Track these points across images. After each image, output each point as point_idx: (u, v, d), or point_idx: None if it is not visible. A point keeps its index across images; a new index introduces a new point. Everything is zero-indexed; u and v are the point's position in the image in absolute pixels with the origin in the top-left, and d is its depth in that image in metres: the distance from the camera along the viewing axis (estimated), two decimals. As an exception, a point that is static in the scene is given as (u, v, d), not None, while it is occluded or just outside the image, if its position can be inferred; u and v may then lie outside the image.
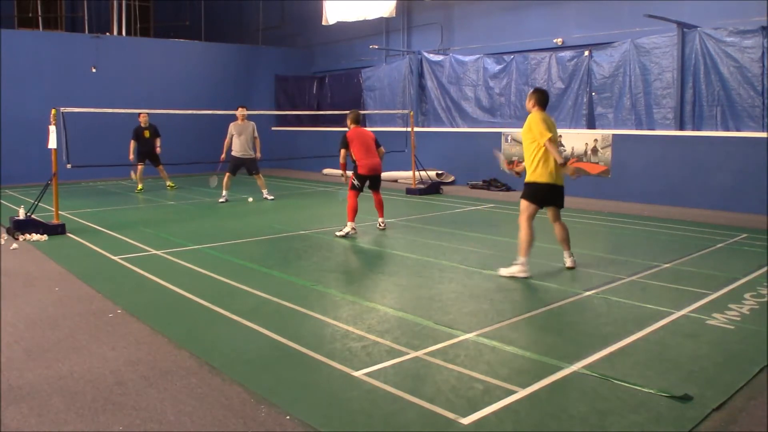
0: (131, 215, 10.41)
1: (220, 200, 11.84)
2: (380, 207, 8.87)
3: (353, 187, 8.50)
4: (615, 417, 3.24)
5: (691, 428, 3.13)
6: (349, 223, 8.34)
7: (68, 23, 22.03)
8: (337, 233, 8.31)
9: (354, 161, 8.53)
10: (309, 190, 14.18)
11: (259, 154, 12.15)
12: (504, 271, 6.21)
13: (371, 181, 8.60)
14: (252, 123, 12.10)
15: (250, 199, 10.71)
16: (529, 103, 6.39)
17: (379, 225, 8.86)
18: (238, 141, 11.86)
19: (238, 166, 11.98)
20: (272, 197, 12.17)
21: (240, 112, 11.97)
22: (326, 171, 17.78)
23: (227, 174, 11.95)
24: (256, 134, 12.07)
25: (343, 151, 8.54)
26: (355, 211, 8.36)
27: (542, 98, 6.35)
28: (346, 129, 8.77)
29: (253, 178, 12.26)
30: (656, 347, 4.24)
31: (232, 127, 11.92)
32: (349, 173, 8.68)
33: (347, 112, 9.18)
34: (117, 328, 4.65)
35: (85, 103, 13.85)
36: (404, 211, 10.69)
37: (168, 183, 13.99)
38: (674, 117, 11.60)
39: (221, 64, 19.26)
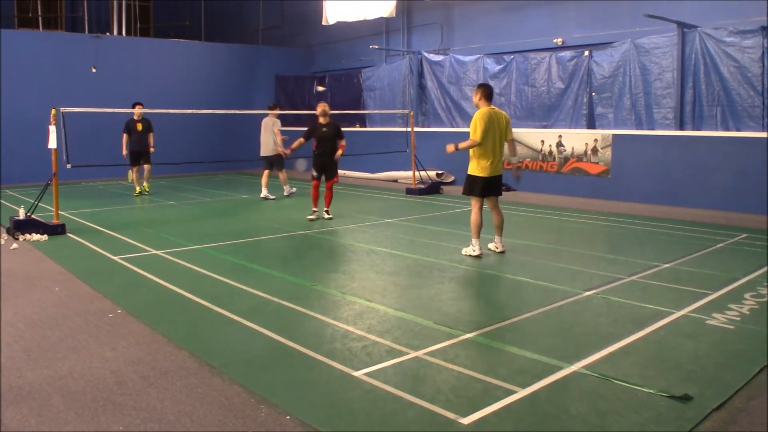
0: (131, 215, 10.41)
1: (271, 197, 12.36)
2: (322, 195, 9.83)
3: (314, 178, 9.70)
4: (615, 417, 3.24)
5: (691, 428, 3.13)
6: (315, 209, 9.72)
7: (68, 23, 22.03)
8: (326, 216, 9.63)
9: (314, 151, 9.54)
10: (309, 190, 14.15)
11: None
12: (463, 250, 7.10)
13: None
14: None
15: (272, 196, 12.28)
16: (476, 98, 6.98)
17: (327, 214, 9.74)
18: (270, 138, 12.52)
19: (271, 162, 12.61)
20: (294, 189, 13.03)
21: (274, 111, 12.79)
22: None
23: (267, 171, 12.61)
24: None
25: (303, 140, 9.54)
26: (317, 198, 9.74)
27: (487, 92, 6.92)
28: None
29: (276, 173, 12.80)
30: (656, 347, 4.24)
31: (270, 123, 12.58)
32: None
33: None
34: (117, 328, 4.65)
35: (85, 103, 13.86)
36: (404, 211, 10.69)
37: (144, 185, 13.01)
38: (674, 117, 11.60)
39: (221, 64, 19.26)
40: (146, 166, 12.87)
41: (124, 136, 12.60)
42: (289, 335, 4.43)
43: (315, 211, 9.67)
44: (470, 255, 6.98)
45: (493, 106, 6.93)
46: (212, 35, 21.72)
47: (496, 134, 6.83)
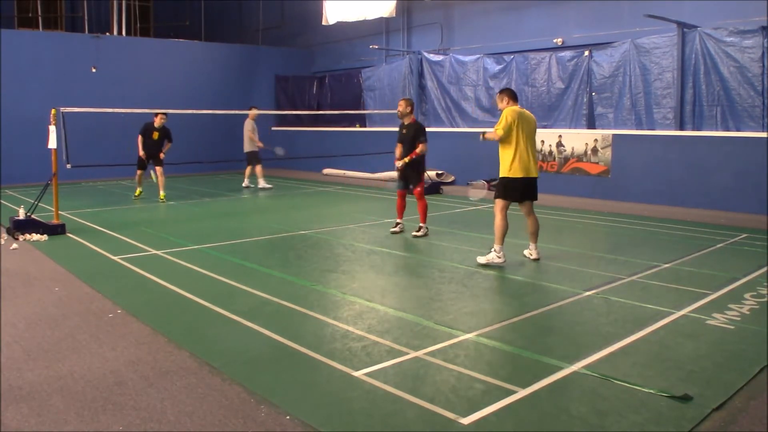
0: (131, 215, 10.41)
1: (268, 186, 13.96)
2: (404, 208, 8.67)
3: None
4: (615, 417, 3.24)
5: (691, 428, 3.13)
6: (425, 225, 8.35)
7: (68, 23, 22.03)
8: (415, 233, 8.28)
9: (420, 158, 8.30)
10: (309, 190, 14.18)
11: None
12: (481, 259, 6.63)
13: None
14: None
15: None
16: (502, 102, 6.76)
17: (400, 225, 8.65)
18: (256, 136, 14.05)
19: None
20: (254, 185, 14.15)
21: (254, 111, 14.08)
22: (326, 171, 17.78)
23: (259, 165, 14.07)
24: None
25: (425, 144, 8.17)
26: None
27: (513, 94, 6.81)
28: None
29: (250, 168, 14.25)
30: (656, 347, 4.24)
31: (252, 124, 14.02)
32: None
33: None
34: (117, 328, 4.65)
35: (85, 103, 13.85)
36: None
37: (161, 193, 12.10)
38: (674, 117, 11.60)
39: (221, 64, 19.26)
40: (158, 168, 12.08)
41: (140, 137, 11.93)
42: (289, 335, 4.43)
43: (399, 223, 8.53)
44: (493, 263, 6.52)
45: (522, 108, 6.71)
46: (212, 35, 21.72)
47: (529, 134, 6.54)
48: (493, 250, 6.60)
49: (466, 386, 3.59)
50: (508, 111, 6.53)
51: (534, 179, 6.68)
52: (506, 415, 3.25)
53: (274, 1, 20.96)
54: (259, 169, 14.05)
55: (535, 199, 6.80)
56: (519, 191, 6.61)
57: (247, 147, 13.97)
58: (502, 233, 6.55)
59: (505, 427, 3.14)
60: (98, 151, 14.51)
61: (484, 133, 6.77)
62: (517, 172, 6.51)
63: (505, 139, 6.51)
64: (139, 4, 21.67)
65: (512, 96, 6.76)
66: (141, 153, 11.95)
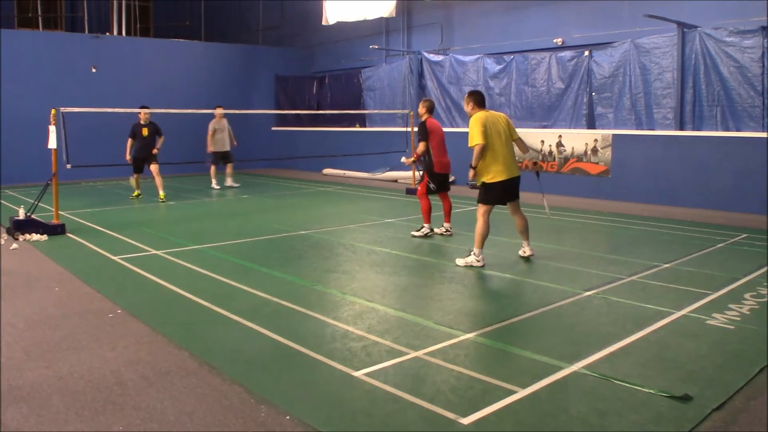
0: (131, 215, 10.41)
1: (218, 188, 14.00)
2: (449, 210, 8.46)
3: (429, 191, 8.21)
4: (615, 417, 3.24)
5: (691, 428, 3.13)
6: (426, 225, 8.24)
7: (68, 23, 22.05)
8: (414, 233, 8.24)
9: (428, 158, 8.18)
10: (309, 190, 14.18)
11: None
12: (460, 261, 6.62)
13: (445, 180, 8.41)
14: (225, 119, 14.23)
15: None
16: (468, 107, 6.70)
17: (447, 230, 8.37)
18: (221, 137, 14.07)
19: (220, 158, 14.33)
20: (238, 185, 14.54)
21: (218, 111, 13.71)
22: (326, 171, 17.78)
23: (214, 166, 14.33)
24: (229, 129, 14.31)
25: (423, 143, 8.07)
26: (430, 211, 8.23)
27: (479, 99, 6.70)
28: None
29: (227, 166, 14.51)
30: (656, 347, 4.24)
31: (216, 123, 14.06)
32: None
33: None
34: (117, 328, 4.65)
35: (85, 103, 13.86)
36: (404, 211, 10.68)
37: (160, 193, 11.86)
38: (674, 117, 11.60)
39: (221, 64, 19.26)
40: (153, 168, 11.80)
41: (129, 140, 11.81)
42: (289, 335, 4.43)
43: (443, 227, 8.42)
44: (472, 266, 6.48)
45: (488, 110, 6.69)
46: (212, 35, 21.72)
47: (501, 136, 6.51)
48: (472, 253, 6.55)
49: (466, 386, 3.59)
50: (475, 120, 6.44)
51: (516, 178, 6.63)
52: (506, 415, 3.25)
53: (274, 1, 20.97)
54: (213, 170, 14.28)
55: (517, 197, 6.74)
56: (502, 194, 6.58)
57: (217, 147, 14.15)
58: (482, 238, 6.51)
59: (505, 427, 3.14)
60: (98, 151, 14.46)
61: (471, 165, 6.50)
62: (497, 176, 6.48)
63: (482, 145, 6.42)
64: (139, 4, 21.68)
65: (478, 101, 6.65)
66: (127, 157, 11.83)
